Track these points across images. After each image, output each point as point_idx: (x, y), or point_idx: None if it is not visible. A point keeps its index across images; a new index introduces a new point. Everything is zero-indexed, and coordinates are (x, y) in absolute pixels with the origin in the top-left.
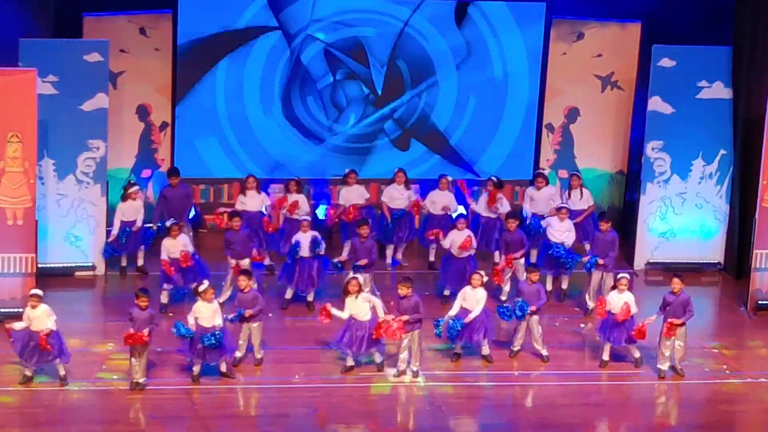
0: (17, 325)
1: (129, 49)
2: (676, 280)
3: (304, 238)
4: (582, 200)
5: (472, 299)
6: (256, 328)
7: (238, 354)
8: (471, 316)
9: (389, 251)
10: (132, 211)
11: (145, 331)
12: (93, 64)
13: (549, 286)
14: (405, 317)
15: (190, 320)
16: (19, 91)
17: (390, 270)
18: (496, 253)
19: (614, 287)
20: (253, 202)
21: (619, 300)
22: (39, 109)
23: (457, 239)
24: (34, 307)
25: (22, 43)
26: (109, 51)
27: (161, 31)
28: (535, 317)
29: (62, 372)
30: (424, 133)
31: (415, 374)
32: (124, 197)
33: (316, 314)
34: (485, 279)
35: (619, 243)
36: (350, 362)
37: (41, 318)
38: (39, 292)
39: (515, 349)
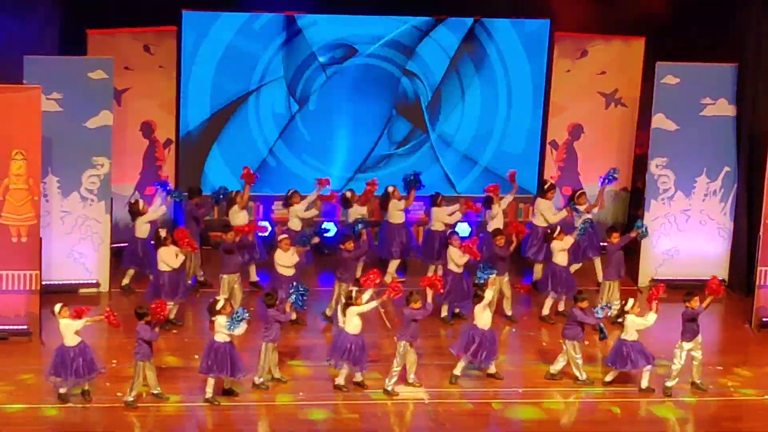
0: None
1: (133, 66)
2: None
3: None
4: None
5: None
6: (270, 348)
7: (258, 379)
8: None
9: (391, 268)
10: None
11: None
12: (97, 82)
13: (546, 310)
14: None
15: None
16: (24, 108)
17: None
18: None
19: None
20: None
21: (637, 322)
22: (43, 126)
23: (454, 254)
24: (66, 317)
25: (26, 60)
26: (113, 68)
27: (165, 48)
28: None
29: (86, 387)
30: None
31: (416, 385)
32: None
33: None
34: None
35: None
36: (358, 377)
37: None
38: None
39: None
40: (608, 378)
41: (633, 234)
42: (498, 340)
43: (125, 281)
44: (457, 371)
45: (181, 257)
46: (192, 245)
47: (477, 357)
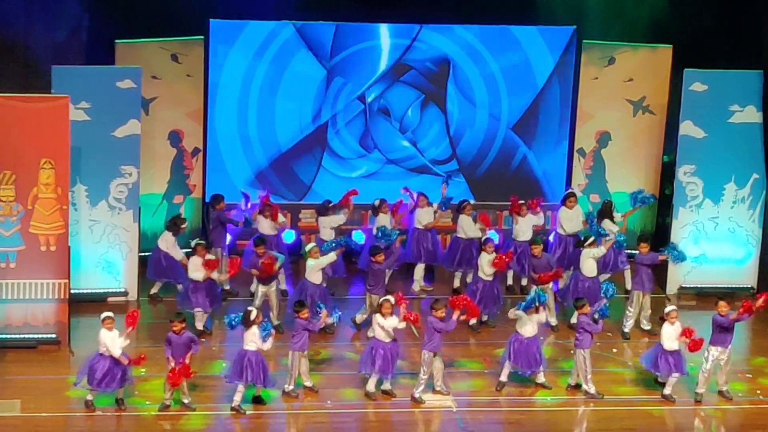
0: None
1: (161, 75)
2: (722, 303)
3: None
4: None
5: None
6: (297, 356)
7: (288, 387)
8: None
9: (417, 274)
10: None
11: (187, 359)
12: (125, 91)
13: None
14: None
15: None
16: (52, 117)
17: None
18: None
19: (663, 319)
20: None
21: (672, 332)
22: (72, 135)
23: (485, 262)
24: (110, 329)
25: (54, 70)
26: (141, 77)
27: (193, 58)
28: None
29: (120, 395)
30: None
31: (444, 393)
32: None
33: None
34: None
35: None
36: (378, 385)
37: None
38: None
39: (572, 383)
40: (666, 391)
41: (663, 258)
42: (540, 349)
43: (154, 290)
44: (503, 378)
45: (205, 273)
46: (233, 272)
47: (520, 364)
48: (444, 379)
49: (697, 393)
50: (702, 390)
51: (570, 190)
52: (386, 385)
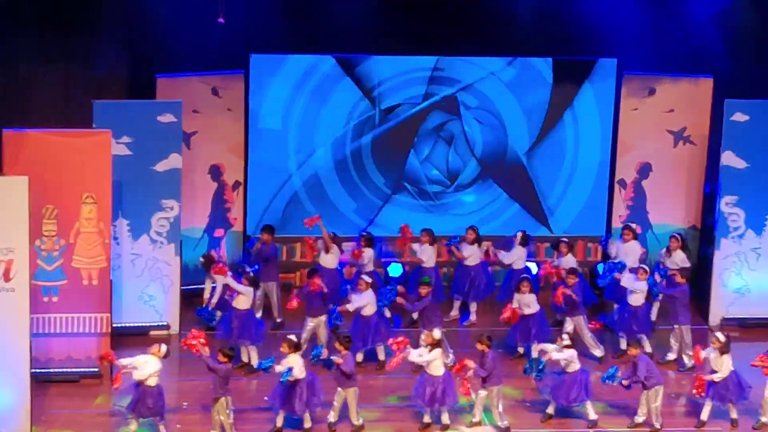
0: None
1: (202, 109)
2: None
3: (363, 297)
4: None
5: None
6: (351, 393)
7: (332, 418)
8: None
9: (455, 308)
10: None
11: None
12: (166, 125)
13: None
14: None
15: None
16: (94, 152)
17: (459, 327)
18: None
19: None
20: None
21: (718, 360)
22: (113, 169)
23: (522, 301)
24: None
25: (96, 105)
26: (182, 111)
27: (233, 92)
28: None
29: (163, 430)
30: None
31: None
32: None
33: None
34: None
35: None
36: (427, 418)
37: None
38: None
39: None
40: (703, 416)
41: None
42: (587, 381)
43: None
44: (550, 410)
45: (249, 300)
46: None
47: (565, 400)
48: (497, 414)
49: (760, 422)
50: (765, 419)
51: (626, 224)
52: (444, 418)
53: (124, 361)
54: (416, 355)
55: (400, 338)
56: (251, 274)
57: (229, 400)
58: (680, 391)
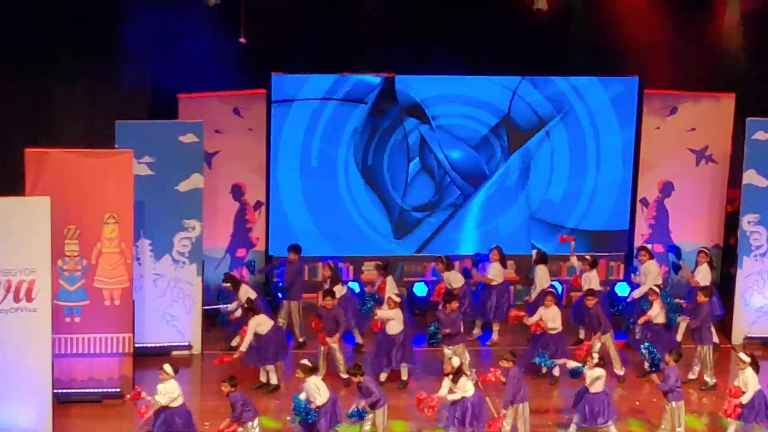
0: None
1: (223, 129)
2: None
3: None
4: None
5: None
6: (380, 413)
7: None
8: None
9: (477, 327)
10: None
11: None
12: (188, 145)
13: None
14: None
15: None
16: (116, 172)
17: (481, 346)
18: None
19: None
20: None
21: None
22: (135, 190)
23: (546, 315)
24: (164, 380)
25: (118, 125)
26: (203, 132)
27: (255, 111)
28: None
29: None
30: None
31: None
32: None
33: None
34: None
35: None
36: None
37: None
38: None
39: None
40: None
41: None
42: (610, 401)
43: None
44: (571, 430)
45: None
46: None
47: (587, 418)
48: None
49: None
50: None
51: (642, 245)
52: None
53: (152, 400)
54: (446, 391)
55: (425, 396)
56: (252, 301)
57: (256, 421)
58: (701, 410)
